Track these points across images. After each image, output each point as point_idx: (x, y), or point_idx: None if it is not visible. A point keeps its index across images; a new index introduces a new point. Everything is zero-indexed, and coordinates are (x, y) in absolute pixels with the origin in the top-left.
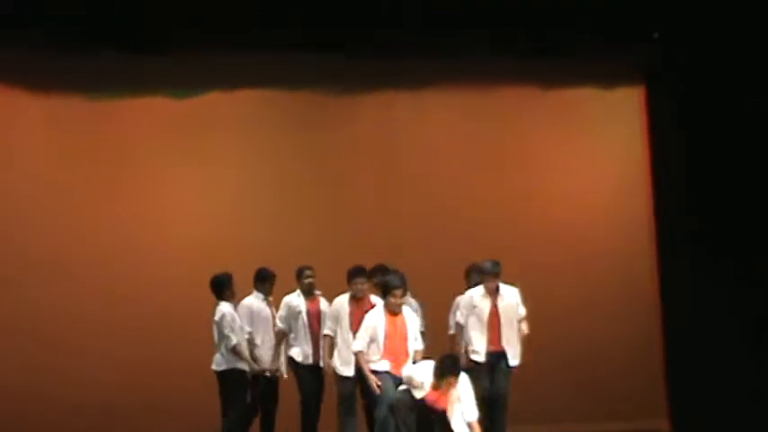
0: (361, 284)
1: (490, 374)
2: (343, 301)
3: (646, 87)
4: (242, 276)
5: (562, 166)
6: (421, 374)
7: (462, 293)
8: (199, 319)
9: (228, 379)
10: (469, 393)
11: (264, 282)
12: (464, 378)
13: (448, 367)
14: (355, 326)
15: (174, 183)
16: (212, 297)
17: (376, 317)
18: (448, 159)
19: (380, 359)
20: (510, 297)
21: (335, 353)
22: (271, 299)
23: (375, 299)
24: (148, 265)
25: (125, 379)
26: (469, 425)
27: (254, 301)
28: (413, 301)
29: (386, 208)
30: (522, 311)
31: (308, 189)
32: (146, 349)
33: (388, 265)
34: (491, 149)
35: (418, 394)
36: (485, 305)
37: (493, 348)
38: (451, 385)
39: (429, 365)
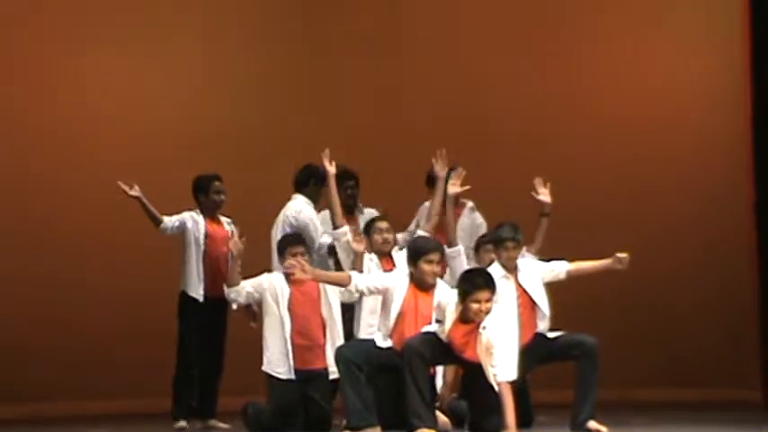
0: (352, 189)
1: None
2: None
3: None
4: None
5: (630, 39)
6: (451, 295)
7: None
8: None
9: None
10: (506, 341)
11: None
12: (500, 315)
13: (470, 280)
14: None
15: (113, 52)
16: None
17: (397, 280)
18: (473, 17)
19: (385, 338)
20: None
21: None
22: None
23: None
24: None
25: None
26: (498, 385)
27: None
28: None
29: (391, 89)
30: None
31: (287, 58)
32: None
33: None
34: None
35: (443, 331)
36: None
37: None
38: (480, 312)
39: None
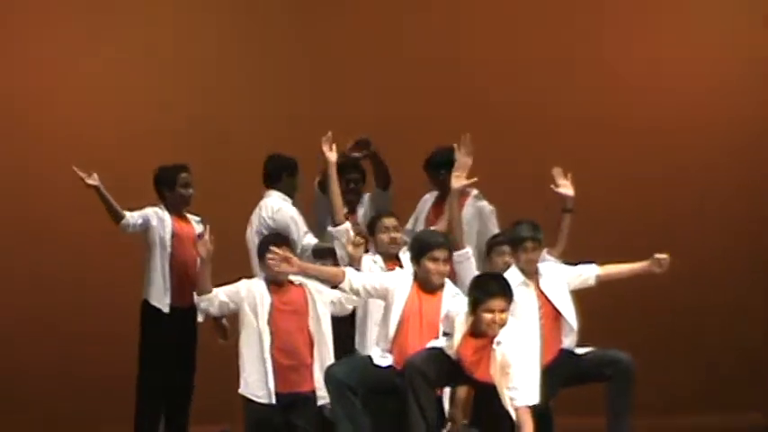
0: (355, 183)
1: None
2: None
3: None
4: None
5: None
6: (461, 303)
7: None
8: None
9: None
10: (525, 359)
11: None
12: (518, 327)
13: (482, 286)
14: None
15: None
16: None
17: (399, 280)
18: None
19: (384, 352)
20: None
21: None
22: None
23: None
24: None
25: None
26: (516, 411)
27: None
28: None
29: (394, 87)
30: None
31: (279, 57)
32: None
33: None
34: None
35: (452, 346)
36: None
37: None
38: (494, 324)
39: None
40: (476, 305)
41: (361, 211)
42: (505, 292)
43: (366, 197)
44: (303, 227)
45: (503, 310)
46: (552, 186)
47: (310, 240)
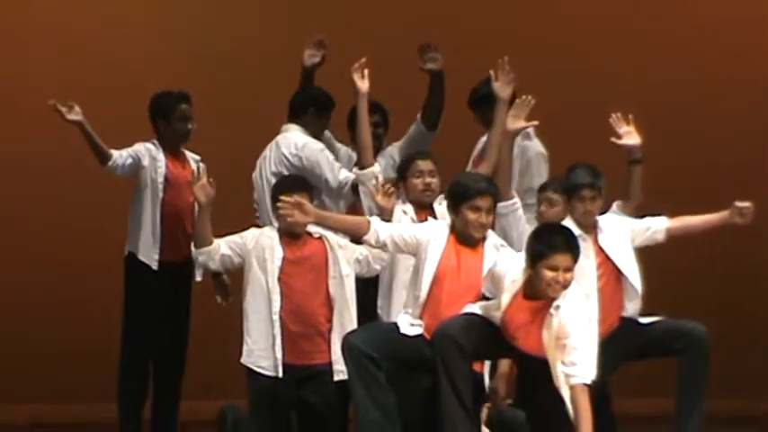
0: (375, 127)
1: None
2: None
3: None
4: None
5: None
6: (510, 260)
7: None
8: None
9: None
10: (584, 328)
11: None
12: (578, 293)
13: (546, 239)
14: None
15: None
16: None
17: (433, 231)
18: None
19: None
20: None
21: None
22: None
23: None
24: None
25: None
26: (572, 389)
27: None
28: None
29: None
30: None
31: None
32: None
33: None
34: None
35: (498, 307)
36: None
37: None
38: (556, 284)
39: None
40: (535, 260)
41: (382, 163)
42: (572, 247)
43: (390, 149)
44: (335, 162)
45: (567, 269)
46: (613, 139)
47: (348, 174)
